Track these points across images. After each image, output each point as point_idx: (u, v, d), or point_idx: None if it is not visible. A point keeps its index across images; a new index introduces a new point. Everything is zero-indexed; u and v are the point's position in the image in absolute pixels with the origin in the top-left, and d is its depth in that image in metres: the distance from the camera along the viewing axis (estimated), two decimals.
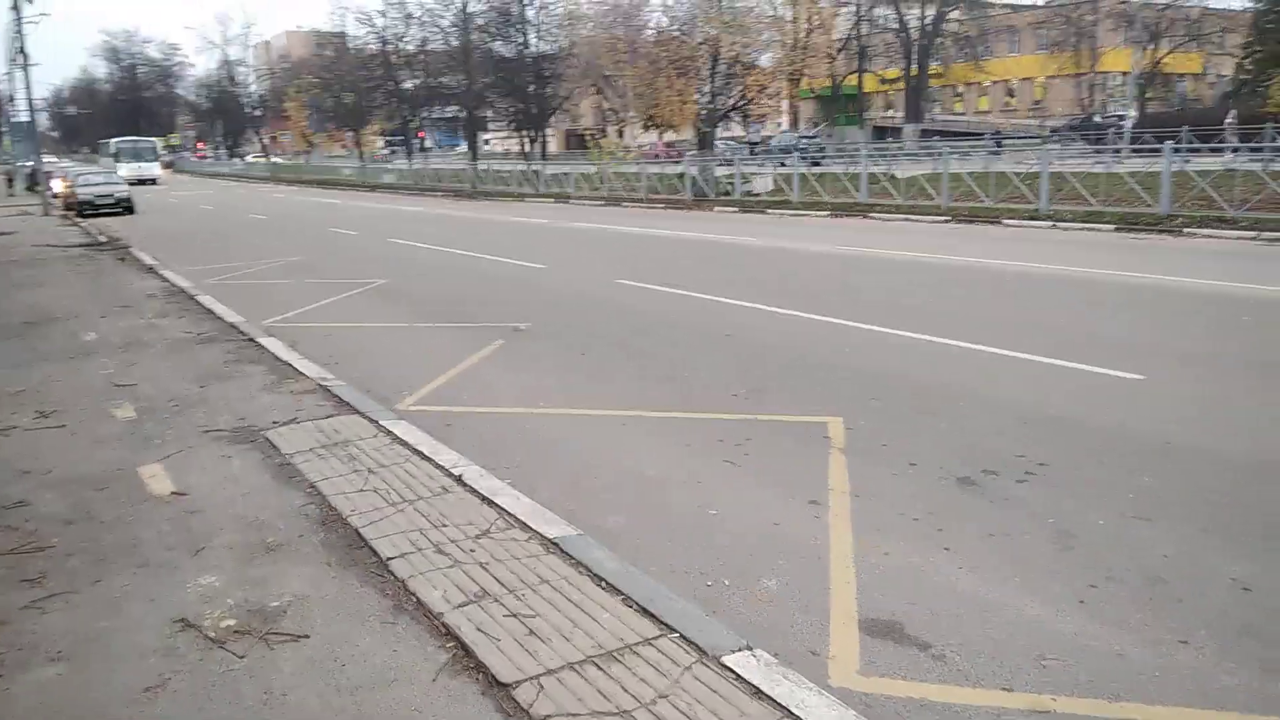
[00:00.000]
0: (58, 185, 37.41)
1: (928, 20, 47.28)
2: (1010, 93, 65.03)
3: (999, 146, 35.08)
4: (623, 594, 3.55)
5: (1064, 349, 7.60)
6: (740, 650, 3.12)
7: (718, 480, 5.13)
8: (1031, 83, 60.30)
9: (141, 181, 56.86)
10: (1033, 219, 18.61)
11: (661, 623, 3.32)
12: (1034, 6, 57.67)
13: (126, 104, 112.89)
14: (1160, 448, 5.37)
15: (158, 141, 68.63)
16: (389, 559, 3.94)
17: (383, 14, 60.50)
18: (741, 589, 3.88)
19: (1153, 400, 6.37)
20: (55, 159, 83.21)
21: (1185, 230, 15.85)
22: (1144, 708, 3.06)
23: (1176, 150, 17.44)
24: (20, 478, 5.20)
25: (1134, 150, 28.29)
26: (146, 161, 62.11)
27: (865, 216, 21.72)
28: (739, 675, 2.97)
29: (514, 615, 3.41)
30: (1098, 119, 44.87)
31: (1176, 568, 3.98)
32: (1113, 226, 17.01)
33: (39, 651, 3.32)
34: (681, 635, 3.22)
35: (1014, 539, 4.31)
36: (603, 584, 3.66)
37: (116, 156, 61.34)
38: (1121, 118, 44.41)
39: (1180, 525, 4.37)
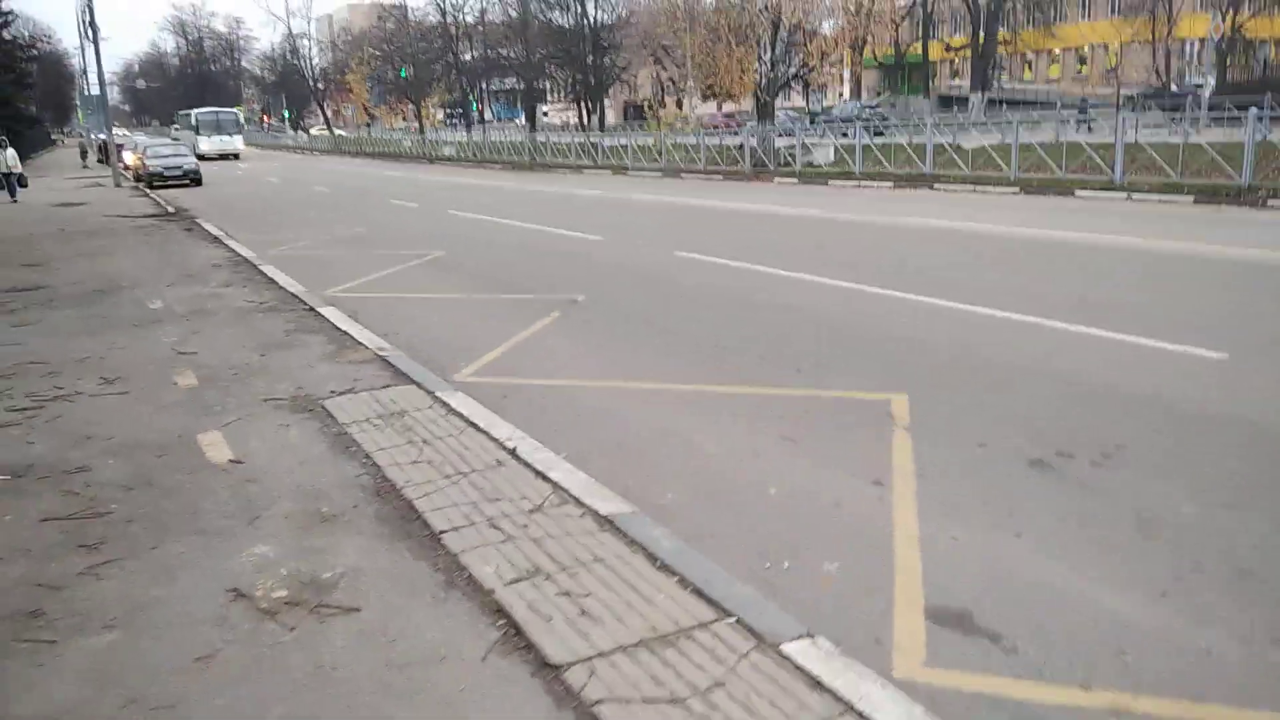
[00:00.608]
0: (129, 157, 38.31)
1: None
2: (1082, 60, 62.88)
3: (1084, 115, 33.65)
4: (678, 575, 3.44)
5: (1140, 325, 7.27)
6: (800, 638, 2.99)
7: (777, 458, 4.98)
8: (1104, 49, 58.17)
9: (224, 157, 54.72)
10: (1107, 190, 17.95)
11: (719, 606, 3.20)
12: None
13: (193, 77, 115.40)
14: (1246, 431, 5.09)
15: (239, 112, 63.61)
16: (442, 532, 3.89)
17: None
18: (801, 572, 3.75)
19: (1237, 380, 6.04)
20: (126, 132, 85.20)
21: (1269, 203, 15.14)
22: (1233, 711, 2.86)
23: (1259, 119, 16.61)
24: (83, 443, 5.26)
25: (1213, 119, 27.15)
26: (229, 135, 57.90)
27: (931, 188, 21.19)
28: (798, 664, 2.85)
29: (566, 594, 3.32)
30: (1174, 87, 43.12)
31: (1267, 559, 3.74)
32: (1191, 198, 16.33)
33: (93, 618, 3.32)
34: (739, 620, 3.11)
35: (1091, 525, 4.09)
36: (658, 564, 3.55)
37: (196, 129, 57.14)
38: (1199, 86, 42.63)
39: (1270, 514, 4.12)
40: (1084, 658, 3.14)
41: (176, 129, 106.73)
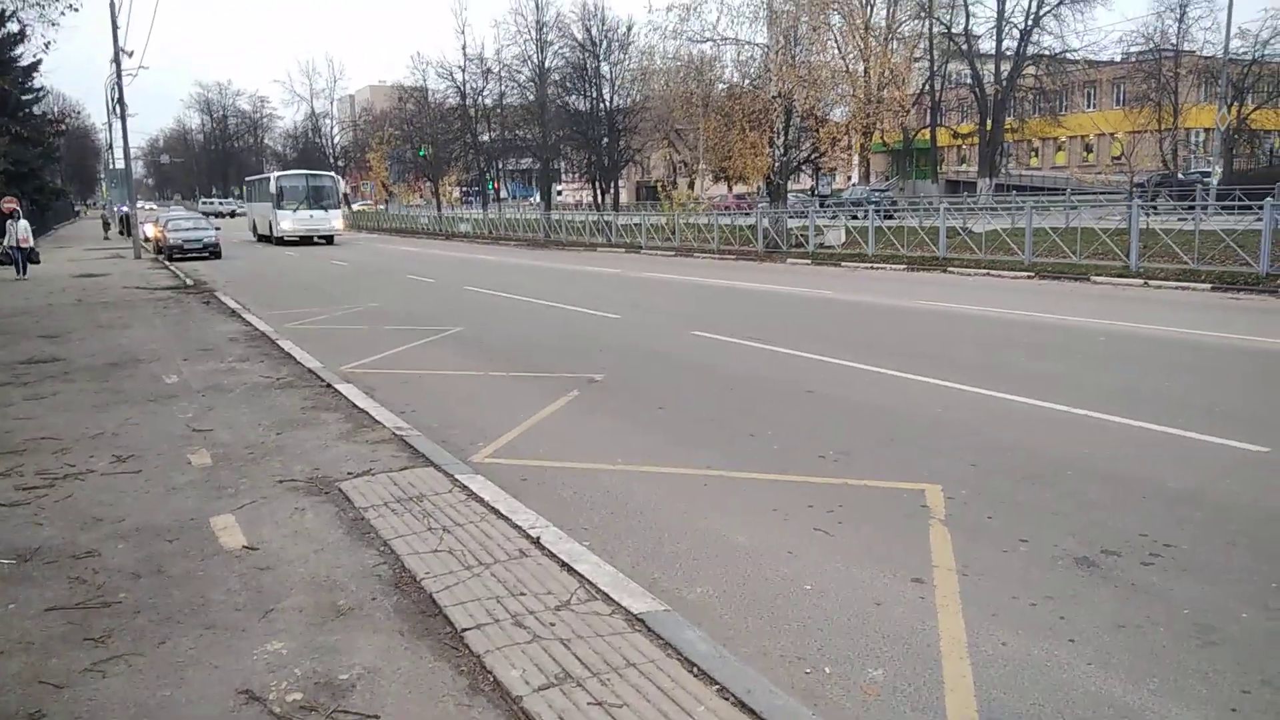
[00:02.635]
0: (150, 230, 38.83)
1: (1003, 75, 46.66)
2: (1088, 148, 63.77)
3: (1151, 197, 32.25)
4: (718, 684, 3.23)
5: (1176, 416, 7.10)
6: None
7: (810, 551, 4.79)
8: (1109, 138, 59.02)
9: (313, 239, 40.16)
10: (1122, 276, 17.94)
11: None
12: (1113, 62, 56.58)
13: (217, 153, 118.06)
14: None
15: (337, 179, 44.91)
16: (464, 630, 3.69)
17: (462, 69, 62.05)
18: (844, 679, 3.53)
19: None
20: (154, 205, 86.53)
21: None
22: None
23: (1276, 208, 16.65)
24: (93, 525, 5.11)
25: (1223, 207, 27.32)
26: (324, 208, 40.75)
27: (944, 271, 21.22)
28: None
29: (599, 703, 3.12)
30: (1180, 175, 43.55)
31: None
32: (1209, 286, 16.29)
33: None
34: None
35: (1147, 631, 3.88)
36: (694, 670, 3.35)
37: (277, 199, 40.01)
38: (1206, 174, 43.05)
39: None
40: None
41: (209, 202, 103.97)
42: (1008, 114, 48.55)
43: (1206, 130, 50.83)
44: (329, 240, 41.41)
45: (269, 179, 42.99)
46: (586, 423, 7.63)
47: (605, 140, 53.78)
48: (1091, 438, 6.75)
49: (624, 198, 69.39)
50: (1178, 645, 3.77)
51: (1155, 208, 27.29)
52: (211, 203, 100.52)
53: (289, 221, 40.12)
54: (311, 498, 5.51)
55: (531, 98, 56.07)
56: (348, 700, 3.24)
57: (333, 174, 46.35)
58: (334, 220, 41.79)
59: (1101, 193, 43.70)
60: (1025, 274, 19.53)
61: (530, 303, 16.61)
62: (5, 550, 4.74)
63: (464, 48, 75.55)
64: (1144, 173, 45.41)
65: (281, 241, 40.33)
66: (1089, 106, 61.37)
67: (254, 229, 47.33)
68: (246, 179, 56.21)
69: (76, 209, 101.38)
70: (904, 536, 4.93)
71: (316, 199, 40.92)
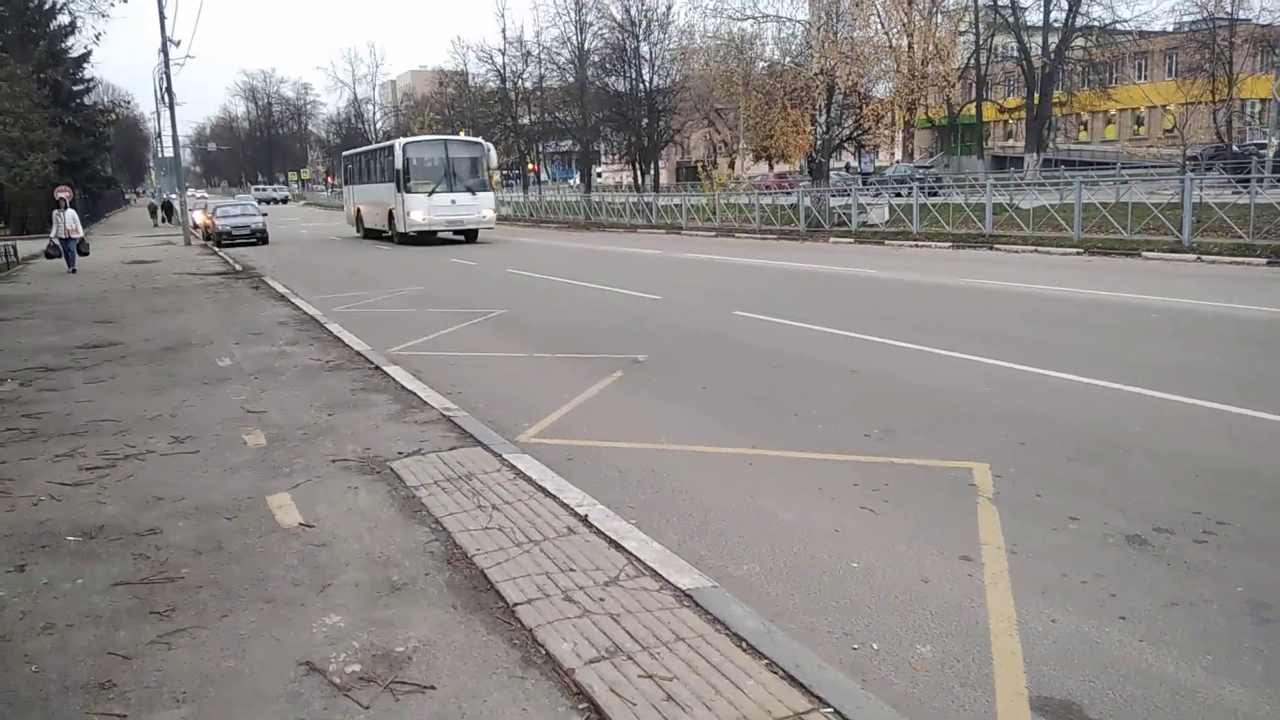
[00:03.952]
0: (198, 217, 39.56)
1: (1051, 47, 45.62)
2: (1139, 121, 62.28)
3: (1204, 170, 30.90)
4: (766, 658, 3.27)
5: (1230, 393, 6.97)
6: None
7: (856, 528, 4.80)
8: (1160, 110, 57.57)
9: (458, 234, 29.50)
10: (1174, 251, 17.56)
11: (813, 694, 3.02)
12: (1165, 32, 55.09)
13: (261, 140, 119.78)
14: None
15: (488, 148, 30.90)
16: (516, 604, 3.76)
17: (502, 52, 62.11)
18: (892, 655, 3.55)
19: None
20: (205, 194, 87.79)
21: None
22: None
23: None
24: (154, 504, 5.26)
25: (1278, 179, 26.55)
26: (471, 190, 29.17)
27: (991, 248, 20.92)
28: None
29: (649, 676, 3.17)
30: (1235, 148, 42.37)
31: None
32: (1265, 260, 15.89)
33: (163, 691, 3.24)
34: (836, 711, 2.92)
35: (1200, 609, 3.84)
36: (743, 645, 3.39)
37: (402, 179, 28.55)
38: (1262, 146, 41.80)
39: None
40: None
41: (261, 188, 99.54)
42: (1056, 87, 47.48)
43: (1263, 101, 49.38)
44: (471, 237, 29.77)
45: (391, 149, 29.81)
46: (630, 403, 7.68)
47: (645, 121, 53.54)
48: (1143, 415, 6.65)
49: (664, 179, 69.13)
50: (1231, 623, 3.72)
51: (1208, 181, 26.60)
52: (264, 188, 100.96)
53: (423, 211, 28.22)
54: (364, 476, 5.62)
55: (571, 80, 55.97)
56: (404, 672, 3.33)
57: (479, 140, 32.24)
58: (484, 208, 29.20)
59: (1153, 166, 42.63)
60: (1074, 250, 19.19)
61: (572, 285, 16.68)
62: (71, 528, 4.91)
63: (504, 30, 76.06)
64: (1197, 145, 44.28)
65: (408, 239, 28.94)
66: (1140, 78, 59.84)
67: (357, 221, 35.46)
68: (345, 154, 41.14)
69: (126, 197, 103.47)
70: (951, 515, 4.92)
71: (459, 177, 28.96)
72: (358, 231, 35.54)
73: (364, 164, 35.40)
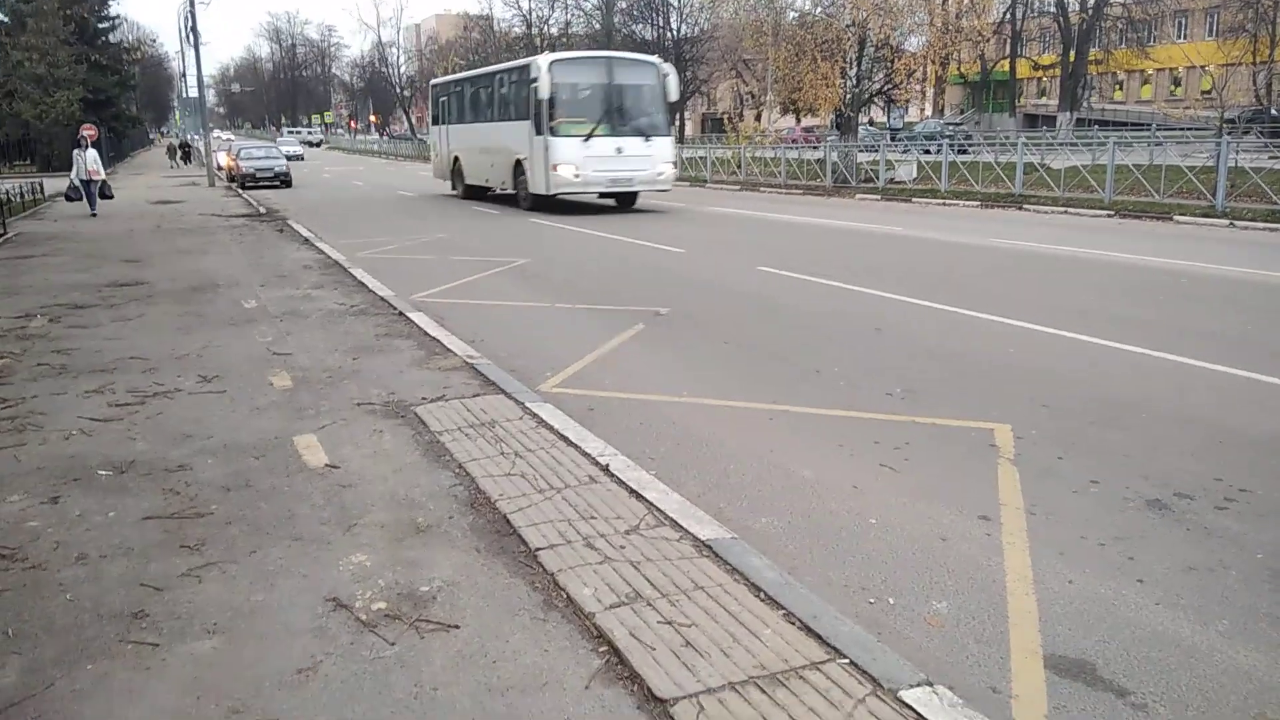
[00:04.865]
0: (223, 159, 39.60)
1: (1089, 3, 44.51)
2: (1176, 81, 60.89)
3: (1243, 133, 29.97)
4: (784, 609, 3.31)
5: (1256, 361, 6.91)
6: (919, 685, 2.84)
7: (875, 486, 4.82)
8: (1198, 71, 56.21)
9: (620, 196, 21.80)
10: (1207, 216, 17.27)
11: (829, 645, 3.07)
12: None
13: (285, 82, 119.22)
14: None
15: (668, 74, 20.78)
16: (538, 549, 3.82)
17: None
18: (908, 610, 3.59)
19: None
20: (232, 136, 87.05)
21: None
22: None
23: None
24: (183, 441, 5.35)
25: None
26: (644, 134, 20.58)
27: (1020, 208, 20.65)
28: (920, 715, 2.69)
29: (669, 622, 3.22)
30: (1275, 111, 41.41)
31: None
32: None
33: (195, 623, 3.33)
34: (852, 662, 2.96)
35: (1218, 574, 3.85)
36: (761, 595, 3.43)
37: (548, 115, 20.03)
38: None
39: None
40: (1220, 718, 2.93)
41: (296, 131, 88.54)
42: (1092, 45, 46.44)
43: None
44: (625, 202, 22.02)
45: (526, 71, 21.20)
46: (652, 356, 7.69)
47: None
48: (1168, 380, 6.61)
49: (689, 130, 68.36)
50: (1249, 589, 3.73)
51: (1245, 145, 26.06)
52: (299, 131, 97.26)
53: (573, 162, 19.92)
54: (389, 420, 5.69)
55: (598, 26, 55.25)
56: (429, 611, 3.40)
57: (654, 59, 22.52)
58: (660, 160, 20.70)
59: (1189, 128, 41.75)
60: (1105, 212, 18.91)
61: (594, 235, 16.62)
62: (102, 462, 5.01)
63: None
64: (1235, 108, 43.28)
65: (550, 204, 21.16)
66: (1179, 37, 58.39)
67: (452, 173, 27.07)
68: (437, 82, 30.09)
69: (151, 137, 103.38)
70: (971, 474, 4.93)
71: (628, 113, 20.61)
72: (453, 188, 27.16)
73: (470, 95, 25.90)
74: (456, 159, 26.71)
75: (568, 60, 22.04)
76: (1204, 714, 2.97)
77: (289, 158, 47.51)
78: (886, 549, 4.11)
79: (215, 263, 13.39)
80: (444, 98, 28.16)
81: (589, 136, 20.08)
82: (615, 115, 20.54)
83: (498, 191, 24.70)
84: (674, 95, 21.21)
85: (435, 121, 29.29)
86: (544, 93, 19.95)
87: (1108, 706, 3.00)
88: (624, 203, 22.33)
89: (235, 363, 7.24)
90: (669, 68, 21.20)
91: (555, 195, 20.70)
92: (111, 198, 23.19)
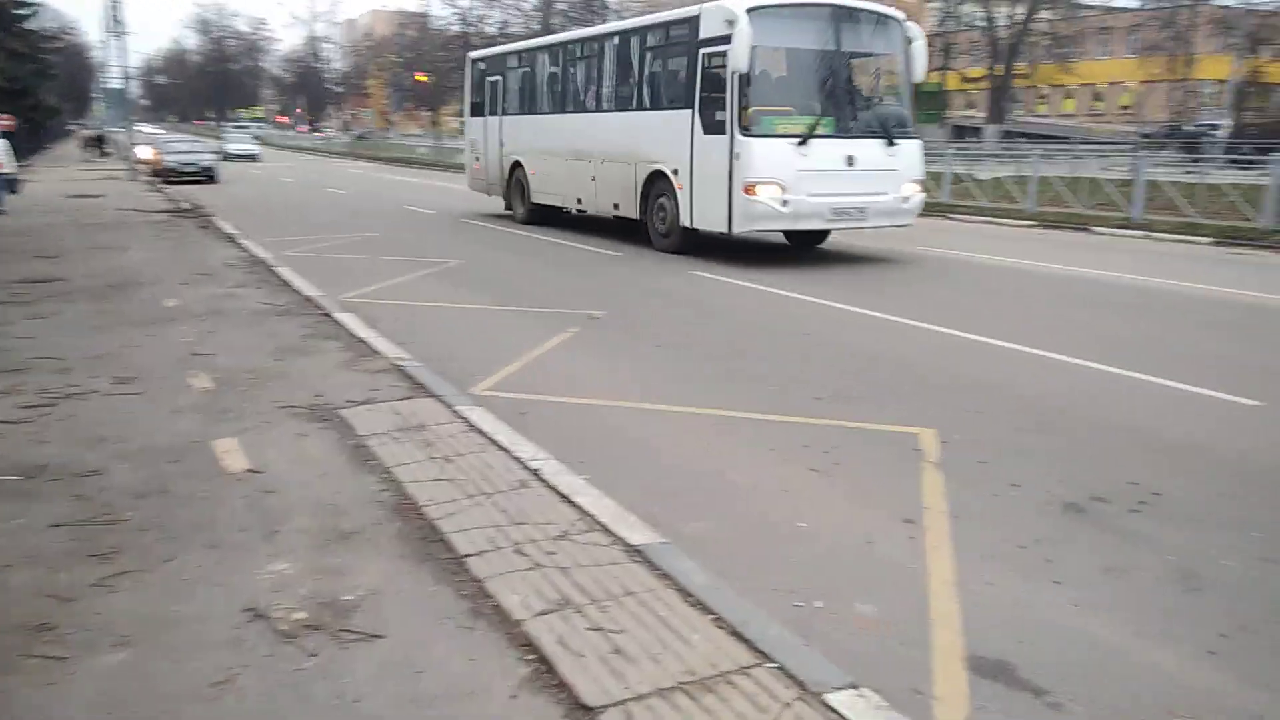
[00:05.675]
0: (145, 152, 38.33)
1: (1017, 18, 45.78)
2: (1097, 96, 62.99)
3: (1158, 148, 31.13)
4: (713, 613, 3.32)
5: (1171, 369, 7.16)
6: (845, 688, 2.87)
7: (804, 490, 4.87)
8: (1119, 87, 58.26)
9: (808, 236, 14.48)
10: (1124, 228, 17.88)
11: (757, 649, 3.08)
12: (1130, 9, 55.58)
13: (214, 75, 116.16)
14: None
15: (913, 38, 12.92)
16: (466, 556, 3.77)
17: None
18: (834, 613, 3.62)
19: (1274, 429, 5.93)
20: (163, 130, 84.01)
21: None
22: None
23: None
24: (97, 444, 5.16)
25: (1230, 161, 27.06)
26: (886, 136, 12.65)
27: (945, 217, 21.09)
28: (844, 718, 2.72)
29: (598, 629, 3.20)
30: (1188, 127, 43.11)
31: None
32: (1210, 239, 16.25)
33: (106, 634, 3.20)
34: (780, 666, 2.98)
35: (1132, 576, 3.97)
36: (691, 600, 3.43)
37: (739, 96, 11.84)
38: (1214, 127, 42.54)
39: None
40: (1132, 716, 3.02)
41: (244, 126, 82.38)
42: (1019, 59, 47.75)
43: (1220, 82, 50.14)
44: (815, 240, 15.17)
45: (695, 24, 12.85)
46: (585, 359, 7.67)
47: None
48: (1087, 387, 6.81)
49: None
50: (1161, 590, 3.86)
51: (1161, 159, 27.09)
52: (247, 126, 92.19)
53: (780, 182, 12.08)
54: (314, 424, 5.56)
55: (537, 27, 55.02)
56: (352, 620, 3.32)
57: (896, 14, 13.44)
58: (904, 178, 13.09)
59: (1109, 142, 43.22)
60: (1028, 222, 19.45)
61: (531, 236, 16.51)
62: (10, 467, 4.80)
63: None
64: (1153, 124, 44.97)
65: (697, 245, 13.71)
66: (1102, 54, 60.46)
67: (508, 185, 19.07)
68: (478, 56, 21.25)
69: (69, 128, 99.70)
70: (896, 479, 5.01)
71: (858, 101, 13.22)
72: (507, 207, 19.40)
73: (550, 71, 17.61)
74: (517, 166, 18.43)
75: (776, 9, 12.44)
76: (1118, 712, 3.05)
77: (240, 157, 45.57)
78: (815, 552, 4.16)
79: (135, 260, 12.96)
80: (494, 76, 19.47)
81: (806, 137, 12.18)
82: (844, 102, 12.86)
83: (574, 213, 17.44)
84: (920, 73, 13.45)
85: (476, 112, 20.47)
86: (739, 62, 11.82)
87: (1026, 706, 3.07)
88: (804, 242, 14.91)
89: (154, 363, 7.01)
90: (916, 29, 13.31)
91: (739, 235, 12.80)
92: (19, 194, 21.60)
